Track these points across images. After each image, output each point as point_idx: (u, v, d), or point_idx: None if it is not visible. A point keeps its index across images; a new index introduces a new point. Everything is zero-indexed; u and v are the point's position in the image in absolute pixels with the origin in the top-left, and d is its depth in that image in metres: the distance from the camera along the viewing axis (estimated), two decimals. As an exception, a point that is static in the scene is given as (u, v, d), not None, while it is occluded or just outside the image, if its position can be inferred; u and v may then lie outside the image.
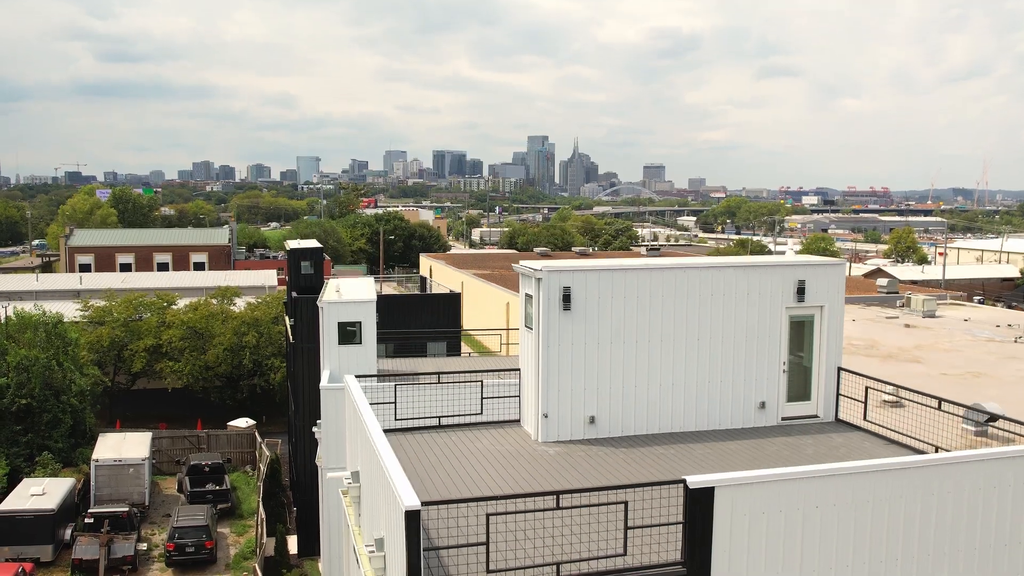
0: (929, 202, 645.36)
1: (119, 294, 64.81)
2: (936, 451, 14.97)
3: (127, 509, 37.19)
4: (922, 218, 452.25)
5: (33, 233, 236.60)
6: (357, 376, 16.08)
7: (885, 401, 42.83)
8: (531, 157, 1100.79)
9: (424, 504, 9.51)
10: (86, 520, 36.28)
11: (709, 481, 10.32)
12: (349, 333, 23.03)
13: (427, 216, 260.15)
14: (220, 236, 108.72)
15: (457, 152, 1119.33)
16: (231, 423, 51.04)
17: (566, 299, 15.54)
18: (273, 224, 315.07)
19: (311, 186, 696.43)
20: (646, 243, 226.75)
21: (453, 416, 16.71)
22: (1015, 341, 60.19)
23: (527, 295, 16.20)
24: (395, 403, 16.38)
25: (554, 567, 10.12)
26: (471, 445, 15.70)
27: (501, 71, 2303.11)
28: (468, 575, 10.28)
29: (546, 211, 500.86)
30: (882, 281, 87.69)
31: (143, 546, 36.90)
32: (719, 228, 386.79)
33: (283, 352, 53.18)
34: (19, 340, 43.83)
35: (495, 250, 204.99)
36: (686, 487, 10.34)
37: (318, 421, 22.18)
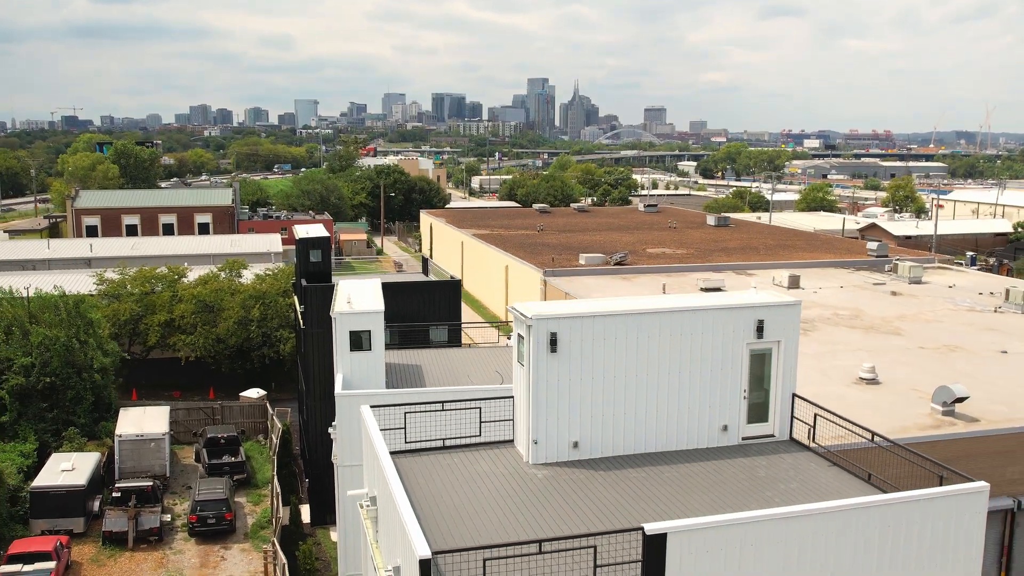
0: (932, 145, 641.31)
1: (129, 262, 66.97)
2: (869, 478, 17.23)
3: (151, 483, 39.84)
4: (923, 163, 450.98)
5: (35, 185, 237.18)
6: (373, 406, 18.41)
7: (862, 378, 45.12)
8: (531, 100, 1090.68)
9: (434, 553, 11.89)
10: (114, 494, 38.94)
11: (662, 528, 12.66)
12: (359, 341, 25.28)
13: (427, 165, 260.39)
14: (224, 197, 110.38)
15: (456, 95, 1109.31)
16: (243, 394, 53.55)
17: (553, 343, 17.77)
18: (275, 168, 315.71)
19: (309, 131, 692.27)
20: (645, 192, 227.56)
21: (455, 438, 19.07)
22: (995, 311, 62.41)
23: (519, 335, 18.44)
24: (404, 428, 18.72)
25: (538, 596, 12.56)
26: (471, 468, 18.08)
27: (500, 10, 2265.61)
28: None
29: (546, 156, 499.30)
30: (872, 244, 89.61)
31: (167, 517, 39.68)
32: (719, 174, 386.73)
33: (291, 324, 55.48)
34: (41, 320, 46.09)
35: (495, 201, 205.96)
36: (644, 534, 12.71)
37: (333, 423, 24.59)
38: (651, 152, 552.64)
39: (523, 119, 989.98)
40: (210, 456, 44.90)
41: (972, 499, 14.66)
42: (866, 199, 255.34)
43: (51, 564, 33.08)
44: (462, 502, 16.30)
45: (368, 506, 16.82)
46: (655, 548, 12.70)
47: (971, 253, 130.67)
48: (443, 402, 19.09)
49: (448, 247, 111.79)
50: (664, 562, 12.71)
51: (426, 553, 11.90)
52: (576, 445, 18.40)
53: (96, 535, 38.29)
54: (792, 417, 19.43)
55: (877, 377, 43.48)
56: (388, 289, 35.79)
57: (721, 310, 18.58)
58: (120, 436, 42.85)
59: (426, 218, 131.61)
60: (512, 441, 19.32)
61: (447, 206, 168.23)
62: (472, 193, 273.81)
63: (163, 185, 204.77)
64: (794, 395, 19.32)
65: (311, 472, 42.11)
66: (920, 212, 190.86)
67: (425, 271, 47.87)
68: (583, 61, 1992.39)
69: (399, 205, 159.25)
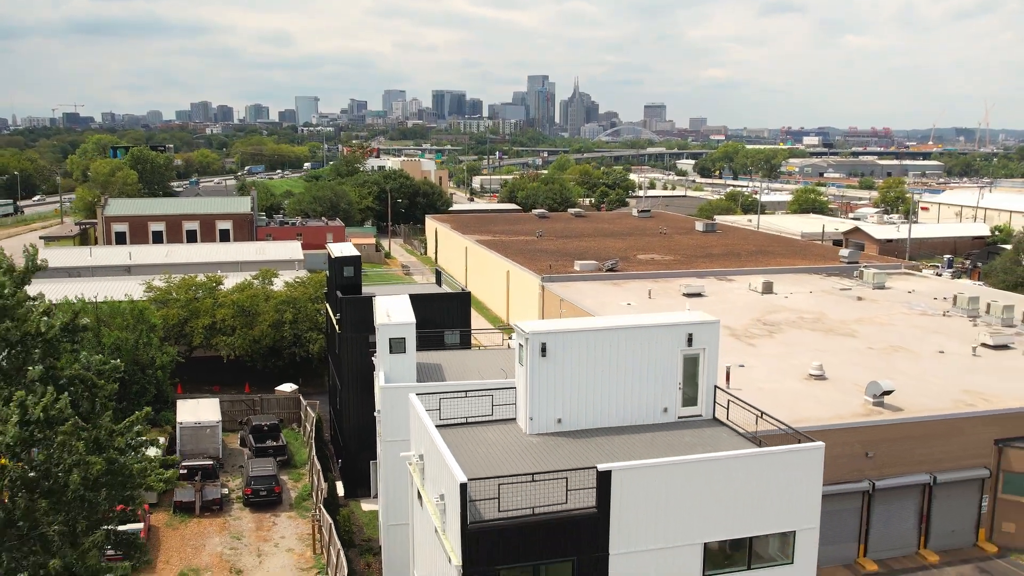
0: (931, 143, 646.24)
1: (165, 269, 74.56)
2: (759, 443, 24.71)
3: (212, 462, 47.50)
4: (920, 161, 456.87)
5: (47, 185, 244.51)
6: (419, 394, 25.91)
7: (811, 375, 52.64)
8: (531, 97, 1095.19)
9: (469, 479, 19.41)
10: (181, 471, 46.50)
11: (608, 467, 20.19)
12: (397, 345, 32.80)
13: (429, 167, 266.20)
14: (243, 205, 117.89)
15: (456, 92, 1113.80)
16: (278, 388, 61.09)
17: (543, 350, 25.17)
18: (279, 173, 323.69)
19: (311, 128, 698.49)
20: (642, 192, 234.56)
21: (476, 417, 26.56)
22: (943, 315, 69.63)
23: (520, 344, 25.85)
24: (439, 409, 26.14)
25: (531, 509, 20.13)
26: (487, 436, 25.41)
27: (499, 7, 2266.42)
28: (487, 512, 20.13)
29: (546, 155, 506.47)
30: (844, 251, 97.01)
31: (225, 490, 47.31)
32: (716, 173, 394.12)
33: (320, 327, 62.94)
34: (110, 324, 53.69)
35: (496, 202, 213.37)
36: (597, 471, 20.26)
37: (378, 409, 32.16)
38: (650, 150, 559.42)
39: (523, 116, 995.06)
40: (256, 441, 52.49)
41: (811, 454, 22.08)
42: (860, 199, 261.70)
43: (139, 525, 40.65)
44: (482, 456, 23.74)
45: (417, 461, 24.26)
46: (604, 480, 20.17)
47: (948, 256, 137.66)
48: (466, 391, 26.59)
49: (453, 252, 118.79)
50: (609, 489, 20.21)
51: (464, 479, 19.35)
52: (559, 421, 25.77)
53: (167, 505, 45.85)
54: (715, 402, 26.86)
55: (824, 374, 50.97)
56: (411, 300, 43.27)
57: (663, 327, 25.93)
58: (181, 423, 50.45)
59: (431, 223, 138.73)
60: (515, 419, 26.79)
61: (450, 209, 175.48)
62: (473, 193, 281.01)
63: (173, 184, 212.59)
64: (716, 387, 26.74)
65: (344, 454, 49.69)
66: (909, 213, 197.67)
67: (439, 282, 55.36)
68: (583, 58, 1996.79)
69: (404, 209, 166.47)
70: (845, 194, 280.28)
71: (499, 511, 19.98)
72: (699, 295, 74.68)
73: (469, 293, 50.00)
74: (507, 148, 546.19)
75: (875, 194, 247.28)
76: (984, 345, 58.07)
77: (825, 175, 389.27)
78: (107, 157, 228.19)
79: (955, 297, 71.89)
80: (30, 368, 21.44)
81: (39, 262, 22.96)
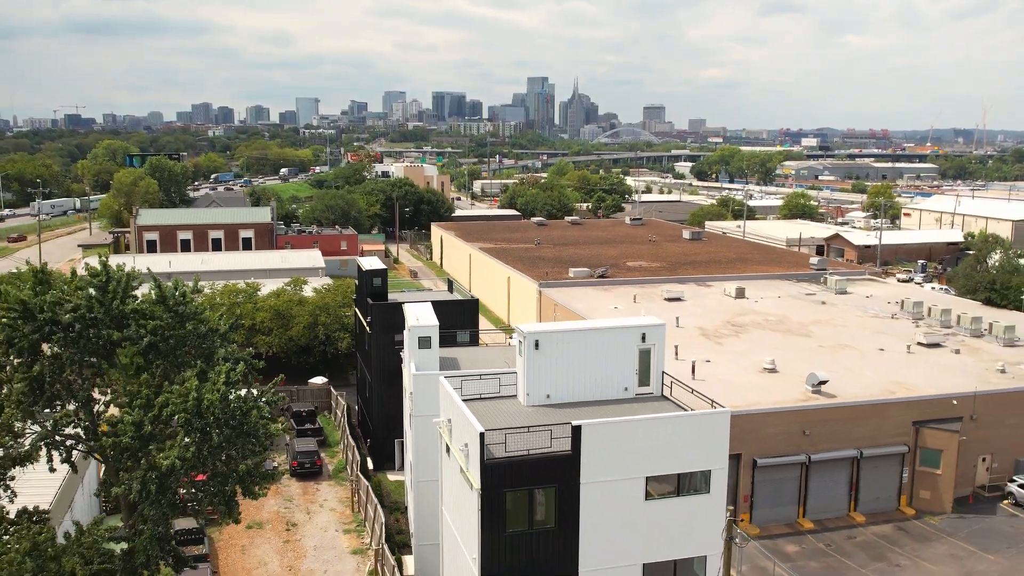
0: (928, 144, 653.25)
1: (203, 276, 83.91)
2: (689, 410, 34.29)
3: (263, 440, 56.92)
4: (915, 164, 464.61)
5: (60, 190, 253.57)
6: (447, 377, 35.49)
7: (765, 368, 61.63)
8: (531, 98, 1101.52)
9: (486, 430, 28.98)
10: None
11: (580, 423, 29.68)
12: (424, 343, 42.36)
13: (431, 171, 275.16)
14: (263, 215, 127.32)
15: (457, 93, 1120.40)
16: (311, 380, 70.58)
17: (536, 344, 34.61)
18: (283, 171, 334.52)
19: (312, 130, 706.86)
20: (636, 197, 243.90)
21: (488, 394, 36.07)
22: (892, 317, 78.86)
23: (519, 340, 35.29)
24: (461, 388, 35.57)
25: (527, 451, 29.69)
26: (497, 408, 34.72)
27: (499, 6, 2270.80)
28: (497, 453, 29.61)
29: (545, 157, 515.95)
30: (814, 259, 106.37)
31: (275, 464, 56.74)
32: (713, 176, 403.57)
33: (348, 328, 72.40)
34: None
35: (496, 207, 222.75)
36: (572, 425, 29.78)
37: (410, 391, 41.67)
38: (648, 153, 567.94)
39: (523, 118, 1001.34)
40: (296, 424, 61.98)
41: (721, 416, 31.46)
42: (851, 202, 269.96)
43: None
44: (493, 418, 33.20)
45: (446, 424, 33.74)
46: (576, 432, 29.56)
47: (922, 261, 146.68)
48: (480, 375, 36.10)
49: (457, 258, 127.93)
50: (580, 438, 29.74)
51: (482, 430, 28.84)
52: (548, 396, 35.07)
53: (228, 475, 55.26)
54: (662, 383, 36.39)
55: (776, 367, 60.25)
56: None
57: (624, 328, 35.32)
58: (235, 409, 59.87)
59: (436, 230, 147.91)
60: (516, 395, 36.28)
61: (454, 215, 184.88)
62: (474, 197, 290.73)
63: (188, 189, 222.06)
64: (663, 372, 36.29)
65: (372, 435, 59.18)
66: (895, 219, 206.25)
67: (450, 289, 64.91)
68: (583, 57, 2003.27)
69: (409, 215, 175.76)
70: (837, 198, 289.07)
71: (505, 452, 29.51)
72: (679, 299, 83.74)
73: (477, 300, 59.48)
74: (507, 150, 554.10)
75: (866, 198, 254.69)
76: (919, 344, 67.31)
77: (820, 178, 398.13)
78: (121, 163, 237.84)
79: (902, 301, 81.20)
80: (217, 351, 31.68)
81: (200, 285, 34.13)
